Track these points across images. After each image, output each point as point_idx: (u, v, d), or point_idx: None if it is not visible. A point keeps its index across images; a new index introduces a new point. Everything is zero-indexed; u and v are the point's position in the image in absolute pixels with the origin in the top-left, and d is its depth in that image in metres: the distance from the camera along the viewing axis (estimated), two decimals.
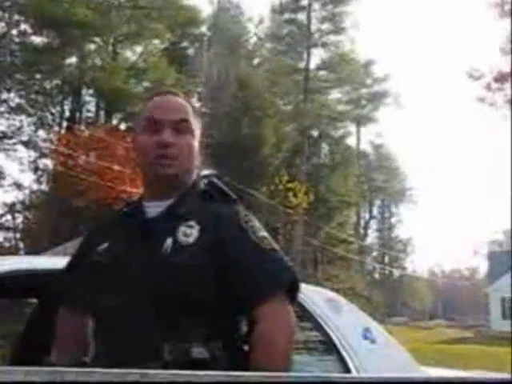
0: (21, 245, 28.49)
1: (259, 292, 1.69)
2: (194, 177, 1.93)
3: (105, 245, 1.84)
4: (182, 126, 1.86)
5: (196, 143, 1.90)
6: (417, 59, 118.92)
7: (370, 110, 51.32)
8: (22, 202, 29.28)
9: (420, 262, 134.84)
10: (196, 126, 1.92)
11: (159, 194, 1.86)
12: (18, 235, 29.01)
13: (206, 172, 2.03)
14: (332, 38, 44.66)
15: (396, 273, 63.99)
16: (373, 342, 2.85)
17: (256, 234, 1.77)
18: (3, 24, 30.96)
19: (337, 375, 2.23)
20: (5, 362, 3.08)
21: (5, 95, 30.56)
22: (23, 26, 30.98)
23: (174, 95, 1.95)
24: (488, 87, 23.78)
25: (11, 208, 28.90)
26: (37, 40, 31.22)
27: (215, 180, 1.98)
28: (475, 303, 70.33)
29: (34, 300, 3.32)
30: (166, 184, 1.85)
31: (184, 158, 1.85)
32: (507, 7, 23.05)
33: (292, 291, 1.75)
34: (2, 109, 31.04)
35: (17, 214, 29.10)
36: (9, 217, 29.06)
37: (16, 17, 30.19)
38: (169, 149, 1.82)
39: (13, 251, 26.09)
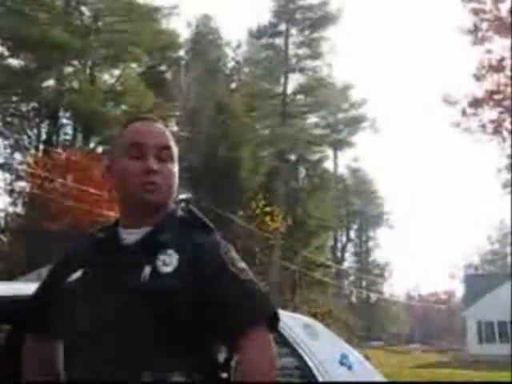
0: None
1: (240, 324, 1.69)
2: (172, 205, 1.91)
3: (79, 272, 1.81)
4: (165, 153, 1.84)
5: (177, 170, 1.89)
6: (393, 85, 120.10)
7: (347, 134, 51.60)
8: None
9: (397, 286, 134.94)
10: (176, 152, 1.90)
11: (138, 221, 1.83)
12: None
13: (182, 196, 2.01)
14: (309, 62, 45.07)
15: (373, 297, 64.08)
16: (349, 368, 2.84)
17: (235, 265, 1.77)
18: None
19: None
20: None
21: None
22: (0, 49, 30.88)
23: (154, 121, 1.92)
24: (463, 112, 24.01)
25: None
26: (14, 62, 31.16)
27: (193, 208, 1.96)
28: (452, 327, 70.53)
29: (7, 326, 3.27)
30: (147, 211, 1.83)
31: (167, 185, 1.83)
32: (480, 34, 23.34)
33: (272, 321, 1.75)
34: None
35: None
36: None
37: None
38: (153, 176, 1.80)
39: None
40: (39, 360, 1.96)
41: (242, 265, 1.80)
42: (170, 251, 1.75)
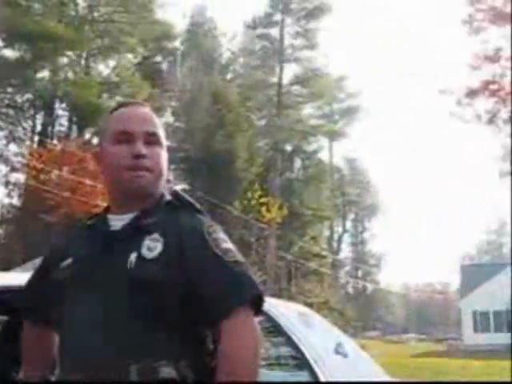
0: None
1: (222, 307, 1.66)
2: (162, 189, 1.88)
3: (69, 260, 1.79)
4: (153, 139, 1.82)
5: (165, 155, 1.87)
6: (389, 75, 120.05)
7: (343, 124, 51.61)
8: None
9: (393, 277, 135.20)
10: (163, 137, 1.88)
11: (126, 206, 1.82)
12: None
13: (178, 187, 2.00)
14: (305, 53, 44.97)
15: (369, 287, 64.17)
16: (345, 356, 2.85)
17: (219, 246, 1.73)
18: None
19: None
20: None
21: None
22: None
23: (141, 106, 1.91)
24: (458, 102, 24.08)
25: None
26: (8, 53, 31.04)
27: (179, 191, 1.94)
28: (448, 317, 70.77)
29: (4, 317, 3.28)
30: (135, 195, 1.81)
31: (156, 169, 1.81)
32: (476, 25, 23.39)
33: (256, 304, 1.71)
34: None
35: None
36: None
37: None
38: (142, 160, 1.78)
39: None
40: (37, 347, 1.96)
41: (228, 245, 1.76)
42: (155, 235, 1.73)
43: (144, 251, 1.71)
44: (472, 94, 23.65)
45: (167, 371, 1.62)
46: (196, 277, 1.68)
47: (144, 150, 1.80)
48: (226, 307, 1.66)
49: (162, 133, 1.88)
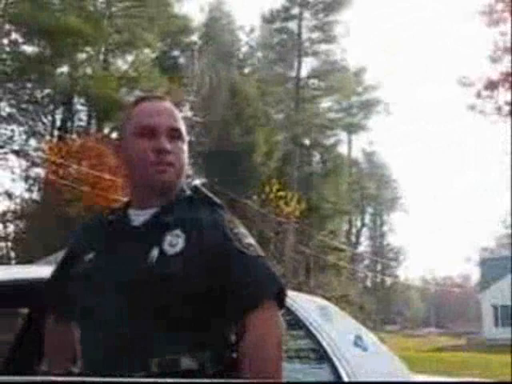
0: (12, 254, 28.33)
1: (247, 301, 1.68)
2: (182, 184, 1.89)
3: (91, 255, 1.80)
4: (175, 134, 1.83)
5: (186, 150, 1.88)
6: (407, 67, 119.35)
7: (361, 118, 51.41)
8: (14, 211, 29.11)
9: (412, 270, 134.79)
10: (185, 130, 1.89)
11: (147, 201, 1.82)
12: (9, 244, 28.84)
13: (196, 182, 2.00)
14: (323, 46, 44.85)
15: (388, 281, 63.99)
16: (364, 349, 2.85)
17: (241, 241, 1.75)
18: None
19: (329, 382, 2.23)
20: None
21: None
22: (14, 35, 30.94)
23: (163, 100, 1.91)
24: (478, 95, 23.91)
25: (2, 217, 28.74)
26: (28, 49, 31.21)
27: (199, 186, 1.95)
28: (467, 311, 70.40)
29: (26, 310, 3.30)
30: (157, 191, 1.81)
31: (178, 165, 1.82)
32: (495, 16, 23.20)
33: (279, 297, 1.73)
34: None
35: (8, 223, 28.92)
36: (0, 226, 28.91)
37: (7, 26, 30.13)
38: (166, 155, 1.78)
39: (4, 260, 25.94)
40: (60, 341, 1.98)
41: (249, 240, 1.77)
42: (177, 231, 1.74)
43: (166, 247, 1.72)
44: (492, 85, 23.47)
45: (188, 363, 1.63)
46: (219, 272, 1.70)
47: (168, 145, 1.80)
48: (252, 301, 1.68)
49: (183, 127, 1.88)
